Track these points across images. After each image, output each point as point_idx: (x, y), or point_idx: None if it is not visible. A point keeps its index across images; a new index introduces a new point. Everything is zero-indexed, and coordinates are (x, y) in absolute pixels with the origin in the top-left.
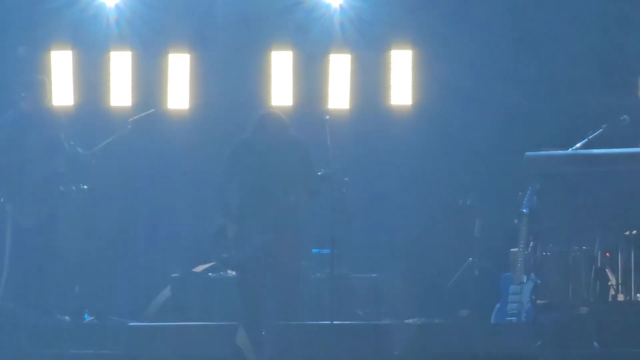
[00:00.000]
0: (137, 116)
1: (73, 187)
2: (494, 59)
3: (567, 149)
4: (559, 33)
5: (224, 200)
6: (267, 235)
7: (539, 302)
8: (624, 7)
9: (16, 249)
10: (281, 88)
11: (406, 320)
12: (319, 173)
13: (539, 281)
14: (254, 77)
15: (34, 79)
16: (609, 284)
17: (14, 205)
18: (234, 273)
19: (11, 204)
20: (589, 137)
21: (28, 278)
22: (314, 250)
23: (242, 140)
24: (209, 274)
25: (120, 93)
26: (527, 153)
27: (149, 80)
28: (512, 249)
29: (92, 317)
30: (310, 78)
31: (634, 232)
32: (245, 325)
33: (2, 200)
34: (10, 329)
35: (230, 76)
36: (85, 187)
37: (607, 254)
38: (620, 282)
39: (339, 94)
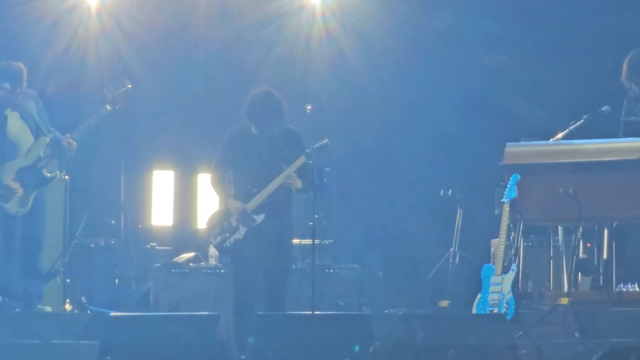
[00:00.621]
0: (114, 93)
1: (57, 172)
2: (473, 49)
3: (548, 139)
4: (539, 21)
5: (221, 187)
6: (262, 216)
7: (519, 292)
8: None
9: (1, 237)
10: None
11: (387, 311)
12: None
13: (520, 272)
14: (235, 67)
15: (13, 66)
16: (590, 274)
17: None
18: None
19: None
20: (570, 128)
21: (11, 267)
22: (295, 241)
23: (237, 127)
24: (190, 264)
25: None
26: (508, 144)
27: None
28: (493, 240)
29: (74, 307)
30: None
31: (615, 222)
32: (237, 312)
33: None
34: None
35: (211, 66)
36: (66, 177)
37: (588, 245)
38: (601, 272)
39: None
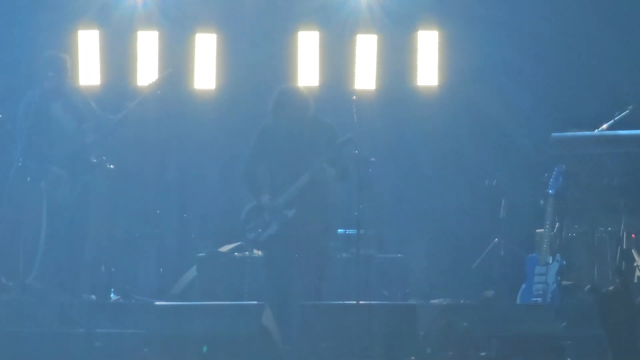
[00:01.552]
0: (155, 78)
1: (104, 157)
2: (520, 40)
3: (594, 130)
4: (588, 11)
5: (253, 182)
6: (292, 211)
7: (564, 283)
8: None
9: (50, 226)
10: (308, 68)
11: (432, 301)
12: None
13: (564, 262)
14: (280, 58)
15: (58, 57)
16: (635, 265)
17: (48, 181)
18: (260, 253)
19: (45, 180)
20: (616, 118)
21: (59, 256)
22: (340, 231)
23: (267, 123)
24: (235, 253)
25: (147, 73)
26: (554, 134)
27: (176, 61)
28: (537, 230)
29: (118, 296)
30: (336, 58)
31: None
32: (273, 304)
33: (29, 179)
34: (38, 307)
35: (257, 57)
36: (112, 166)
37: (633, 235)
38: None
39: (365, 75)
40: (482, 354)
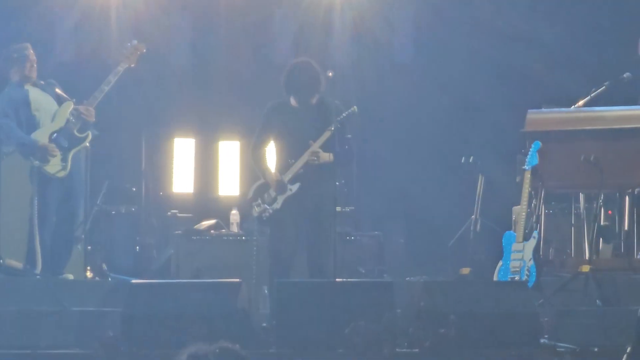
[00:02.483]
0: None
1: (89, 132)
2: (495, 16)
3: (569, 106)
4: None
5: (260, 159)
6: (297, 185)
7: (541, 259)
8: None
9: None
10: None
11: (408, 278)
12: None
13: (541, 239)
14: (256, 34)
15: (19, 48)
16: (612, 241)
17: (39, 158)
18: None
19: (35, 157)
20: (592, 95)
21: (41, 234)
22: None
23: (276, 101)
24: (211, 231)
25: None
26: (529, 110)
27: (151, 38)
28: (514, 207)
29: (95, 275)
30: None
31: (637, 190)
32: (272, 280)
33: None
34: (12, 286)
35: (232, 33)
36: (87, 144)
37: (610, 212)
38: (622, 240)
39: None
40: (441, 330)
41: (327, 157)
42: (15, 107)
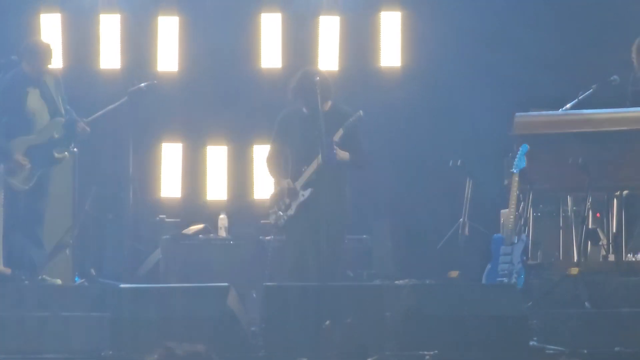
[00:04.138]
0: (136, 87)
1: (66, 153)
2: (483, 20)
3: (557, 109)
4: None
5: (275, 168)
6: (309, 191)
7: (529, 262)
8: None
9: (8, 211)
10: (271, 50)
11: (397, 282)
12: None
13: (529, 242)
14: (242, 40)
15: (41, 44)
16: (600, 244)
17: (7, 167)
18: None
19: (4, 165)
20: (579, 98)
21: (20, 240)
22: None
23: (289, 109)
24: (200, 235)
25: (110, 56)
26: (517, 114)
27: (138, 43)
28: (502, 210)
29: (83, 280)
30: (299, 40)
31: (625, 192)
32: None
33: None
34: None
35: (219, 38)
36: (75, 149)
37: (598, 215)
38: (611, 242)
39: (328, 56)
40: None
41: (344, 154)
42: (10, 98)
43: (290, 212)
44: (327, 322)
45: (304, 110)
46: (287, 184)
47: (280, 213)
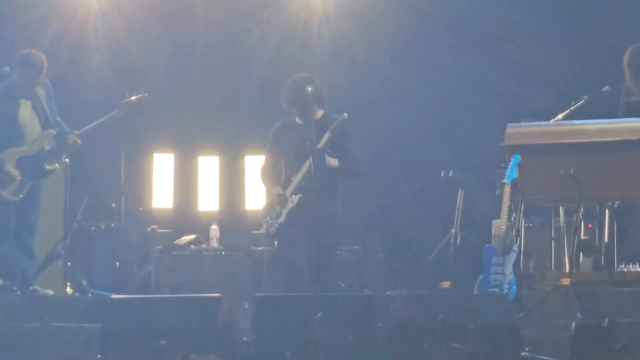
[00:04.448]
0: (128, 99)
1: (57, 165)
2: (474, 32)
3: (549, 120)
4: (540, 6)
5: (268, 178)
6: (297, 197)
7: (521, 273)
8: None
9: None
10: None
11: (389, 292)
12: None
13: (521, 252)
14: (234, 50)
15: (35, 56)
16: (592, 254)
17: None
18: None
19: None
20: (571, 108)
21: (11, 251)
22: None
23: (283, 120)
24: (191, 246)
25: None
26: (509, 125)
27: (129, 54)
28: (494, 220)
29: (75, 291)
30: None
31: (616, 203)
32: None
33: None
34: None
35: (210, 49)
36: (66, 160)
37: (590, 225)
38: (602, 252)
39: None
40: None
41: (333, 161)
42: (1, 110)
43: (281, 219)
44: (319, 314)
45: (297, 120)
46: (276, 190)
47: (271, 221)
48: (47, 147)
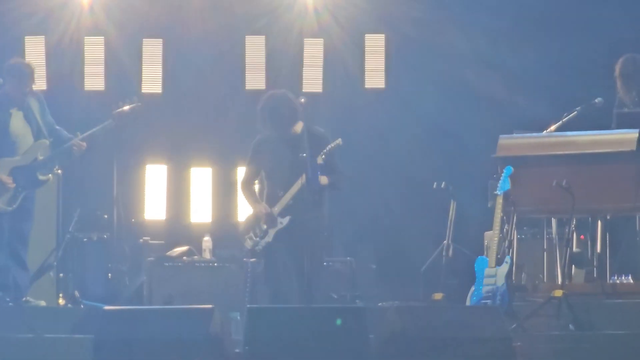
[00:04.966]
0: (121, 109)
1: (50, 175)
2: (467, 42)
3: (541, 131)
4: (532, 14)
5: (250, 193)
6: (287, 219)
7: (513, 284)
8: None
9: None
10: (255, 72)
11: (381, 304)
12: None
13: (513, 264)
14: (227, 61)
15: (24, 65)
16: (584, 266)
17: None
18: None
19: None
20: (563, 120)
21: (4, 261)
22: None
23: (263, 134)
24: (184, 257)
25: (94, 78)
26: (501, 136)
27: (122, 65)
28: (486, 232)
29: (67, 302)
30: (283, 62)
31: (609, 215)
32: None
33: None
34: None
35: (204, 61)
36: (59, 171)
37: (582, 237)
38: (595, 264)
39: (312, 78)
40: None
41: (324, 179)
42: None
43: (268, 239)
44: None
45: (275, 135)
46: (264, 209)
47: (257, 239)
48: (40, 158)
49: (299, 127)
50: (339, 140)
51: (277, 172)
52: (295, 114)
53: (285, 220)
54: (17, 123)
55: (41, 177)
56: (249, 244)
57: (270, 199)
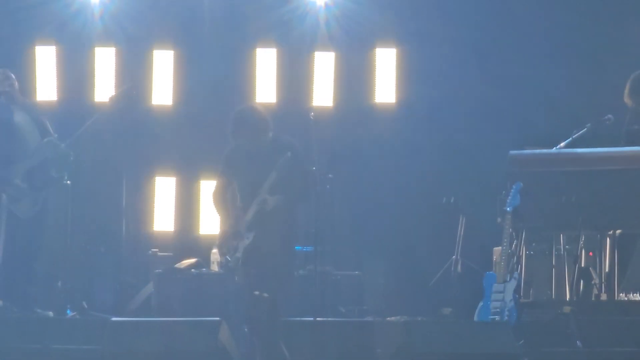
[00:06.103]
0: (114, 93)
1: (65, 173)
2: (478, 58)
3: (551, 147)
4: (543, 31)
5: (221, 207)
6: (252, 234)
7: (522, 300)
8: (611, 5)
9: (8, 241)
10: (265, 85)
11: (389, 318)
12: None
13: (522, 280)
14: (238, 74)
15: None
16: (592, 282)
17: (9, 195)
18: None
19: (6, 194)
20: (573, 136)
21: (16, 271)
22: (297, 248)
23: (232, 146)
24: (192, 270)
25: (104, 89)
26: (511, 152)
27: (133, 76)
28: (495, 248)
29: (75, 313)
30: (294, 76)
31: (618, 231)
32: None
33: None
34: None
35: (214, 73)
36: (68, 182)
37: (590, 253)
38: (603, 281)
39: (322, 92)
40: None
41: (276, 200)
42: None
43: (238, 254)
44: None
45: (243, 146)
46: (231, 227)
47: (228, 257)
48: (50, 155)
49: (268, 137)
50: (288, 154)
51: (248, 182)
52: (263, 126)
53: (250, 236)
54: (23, 120)
55: (56, 175)
56: (224, 261)
57: (239, 210)
